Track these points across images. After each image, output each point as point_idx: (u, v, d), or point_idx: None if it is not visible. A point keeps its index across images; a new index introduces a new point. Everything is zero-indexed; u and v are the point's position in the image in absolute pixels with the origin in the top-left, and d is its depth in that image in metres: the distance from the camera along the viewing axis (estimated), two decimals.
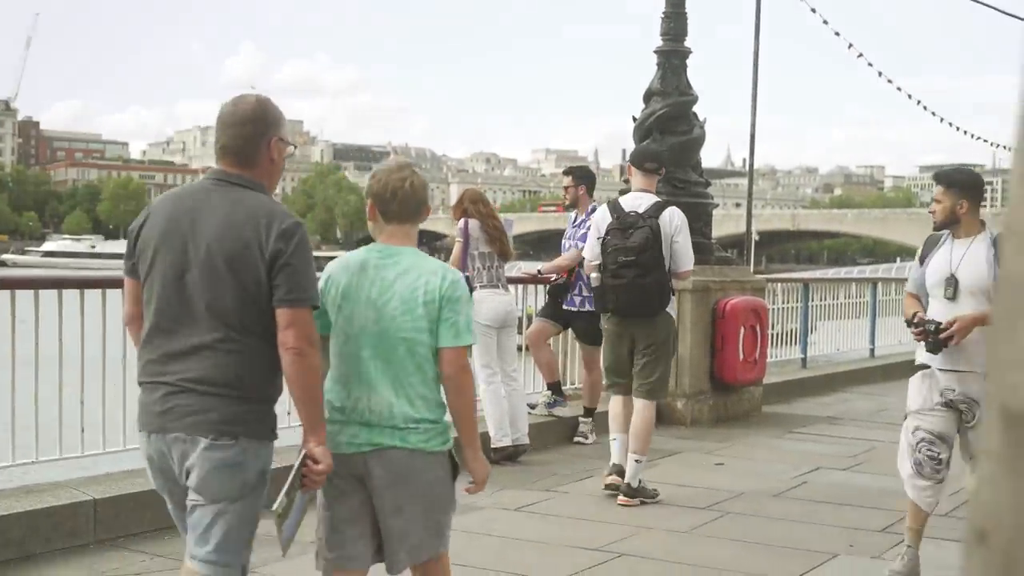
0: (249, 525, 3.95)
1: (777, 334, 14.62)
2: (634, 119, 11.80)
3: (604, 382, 8.61)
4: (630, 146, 11.96)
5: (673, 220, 7.79)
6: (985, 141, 31.85)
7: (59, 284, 7.21)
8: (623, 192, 8.78)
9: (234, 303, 3.80)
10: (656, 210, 7.76)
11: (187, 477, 3.85)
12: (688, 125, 11.68)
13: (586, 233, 8.68)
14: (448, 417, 4.15)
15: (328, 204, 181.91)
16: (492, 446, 8.86)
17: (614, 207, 7.90)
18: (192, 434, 3.80)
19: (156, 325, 3.90)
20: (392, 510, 4.05)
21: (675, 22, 11.64)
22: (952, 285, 6.07)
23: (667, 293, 7.76)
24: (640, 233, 7.66)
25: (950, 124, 22.68)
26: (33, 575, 5.86)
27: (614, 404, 8.12)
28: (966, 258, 6.06)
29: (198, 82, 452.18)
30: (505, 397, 8.98)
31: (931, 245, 6.29)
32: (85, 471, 7.05)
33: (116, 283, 7.27)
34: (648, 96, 11.75)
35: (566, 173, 10.37)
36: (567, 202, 10.24)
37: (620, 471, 7.90)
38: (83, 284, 7.22)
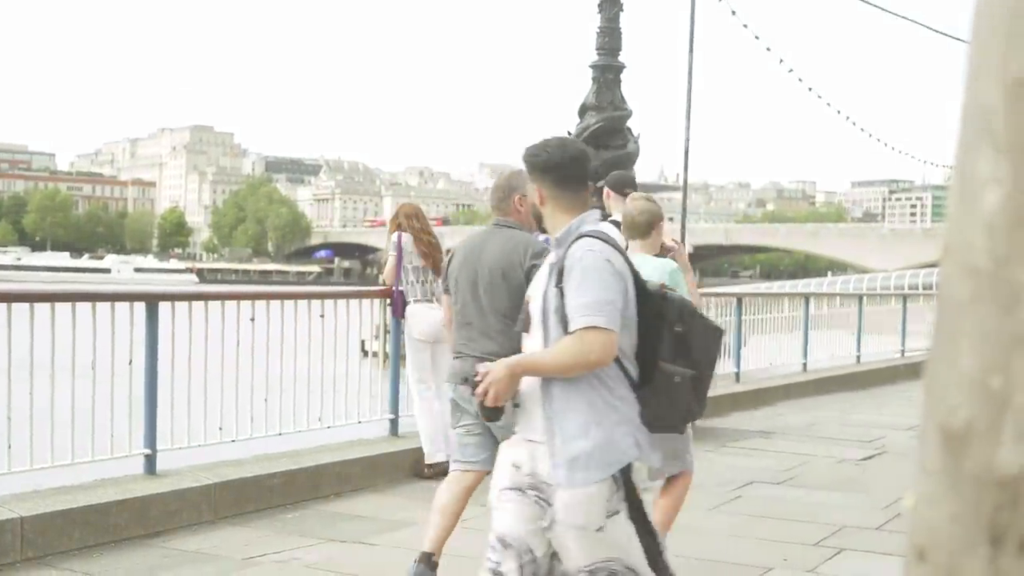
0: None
1: None
2: (568, 133, 11.84)
3: None
4: None
5: None
6: (913, 157, 32.31)
7: None
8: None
9: (507, 301, 5.64)
10: None
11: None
12: (623, 139, 11.74)
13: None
14: None
15: (259, 217, 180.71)
16: (426, 462, 8.84)
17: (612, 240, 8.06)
18: None
19: (461, 320, 5.93)
20: None
21: (609, 37, 11.70)
22: (524, 310, 4.42)
23: None
24: None
25: (878, 140, 22.98)
26: None
27: None
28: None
29: (128, 93, 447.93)
30: (439, 412, 8.95)
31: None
32: (13, 488, 6.93)
33: (42, 297, 7.21)
34: (583, 110, 11.79)
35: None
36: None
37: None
38: (8, 298, 7.10)
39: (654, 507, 6.24)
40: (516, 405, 4.14)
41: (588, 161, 4.37)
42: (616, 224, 8.60)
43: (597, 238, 4.09)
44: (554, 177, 4.26)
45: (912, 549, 1.08)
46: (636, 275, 4.13)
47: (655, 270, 6.03)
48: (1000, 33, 1.02)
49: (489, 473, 5.67)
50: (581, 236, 4.09)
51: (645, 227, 6.44)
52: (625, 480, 3.97)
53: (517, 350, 4.94)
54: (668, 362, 4.11)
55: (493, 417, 4.22)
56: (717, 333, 4.34)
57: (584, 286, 3.92)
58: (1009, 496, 0.98)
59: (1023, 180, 0.99)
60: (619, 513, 3.94)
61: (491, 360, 5.03)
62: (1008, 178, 1.00)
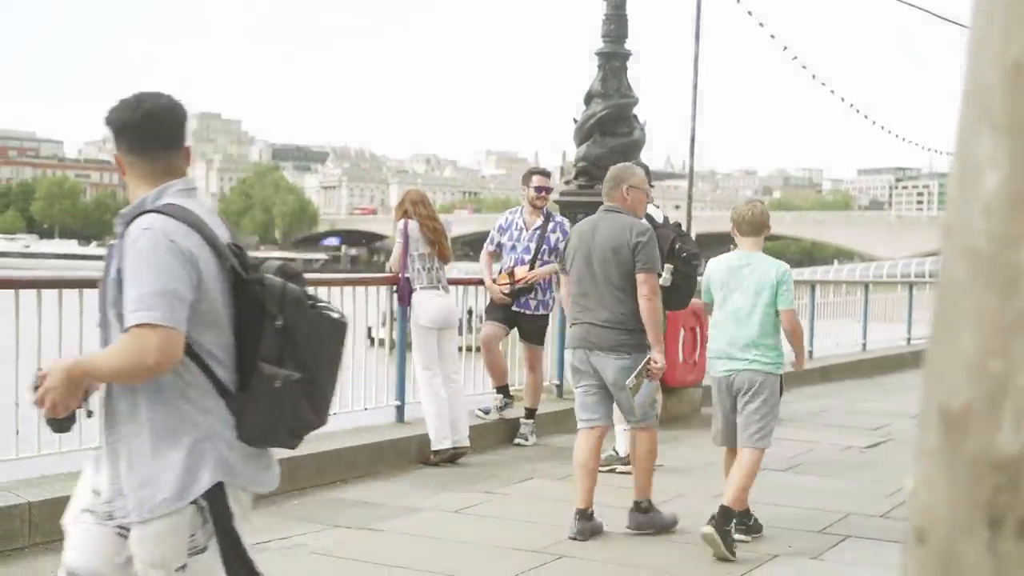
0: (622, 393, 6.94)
1: None
2: (575, 121, 11.84)
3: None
4: (571, 147, 12.02)
5: None
6: (920, 145, 32.20)
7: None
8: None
9: (617, 274, 6.84)
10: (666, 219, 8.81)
11: (601, 373, 6.95)
12: (629, 127, 11.73)
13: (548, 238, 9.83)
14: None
15: (266, 204, 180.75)
16: (432, 448, 8.86)
17: (650, 218, 8.38)
18: (603, 350, 6.91)
19: (577, 291, 7.03)
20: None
21: (616, 24, 11.69)
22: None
23: None
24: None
25: (882, 127, 22.91)
26: None
27: None
28: None
29: (135, 79, 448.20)
30: (445, 399, 8.96)
31: None
32: (20, 474, 6.95)
33: (49, 283, 7.21)
34: (589, 98, 11.78)
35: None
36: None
37: None
38: (15, 284, 7.11)
39: (726, 484, 6.94)
40: (89, 414, 3.47)
41: (174, 119, 3.53)
42: (647, 214, 8.79)
43: (163, 213, 3.34)
44: (128, 139, 3.49)
45: (912, 532, 1.08)
46: (226, 254, 3.39)
47: (771, 267, 7.00)
48: (999, 16, 1.02)
49: (609, 427, 7.40)
50: (145, 212, 3.37)
51: (758, 225, 7.14)
52: (214, 509, 3.35)
53: (627, 316, 6.81)
54: (272, 363, 3.40)
55: (61, 429, 3.47)
56: (335, 326, 3.60)
57: (138, 274, 3.25)
58: (1008, 478, 0.98)
59: (1022, 162, 0.99)
60: (206, 550, 3.35)
61: (604, 327, 6.86)
62: (1007, 160, 1.00)
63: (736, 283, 6.97)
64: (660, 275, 7.11)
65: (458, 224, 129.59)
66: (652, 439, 7.18)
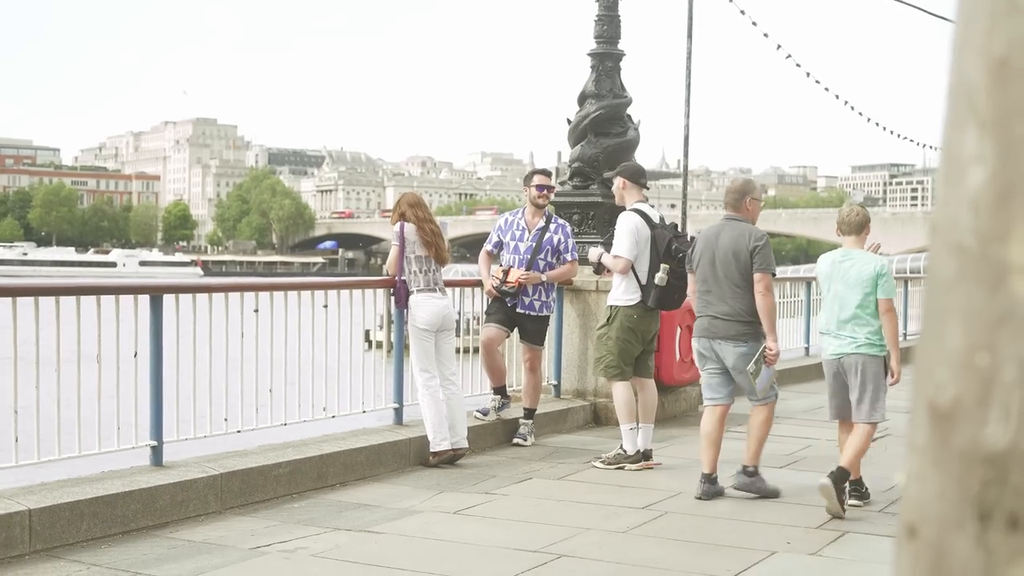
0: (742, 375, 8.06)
1: None
2: (568, 121, 11.84)
3: (610, 372, 9.16)
4: (566, 148, 12.03)
5: None
6: (913, 141, 32.15)
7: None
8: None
9: (737, 274, 7.93)
10: (662, 219, 9.31)
11: (722, 358, 8.05)
12: (623, 127, 11.74)
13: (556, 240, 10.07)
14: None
15: (263, 209, 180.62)
16: (431, 450, 8.86)
17: (646, 218, 9.10)
18: (725, 339, 8.00)
19: (702, 289, 8.12)
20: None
21: (608, 25, 11.70)
22: None
23: None
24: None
25: (876, 124, 22.87)
26: None
27: (625, 391, 9.11)
28: None
29: (130, 87, 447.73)
30: (444, 401, 8.97)
31: None
32: (20, 481, 6.95)
33: (47, 291, 7.22)
34: (582, 99, 11.79)
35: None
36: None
37: (649, 454, 9.13)
38: (13, 292, 7.11)
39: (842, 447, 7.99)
40: None
41: None
42: (642, 214, 8.94)
43: None
44: None
45: (903, 526, 1.09)
46: None
47: (869, 263, 7.76)
48: (983, 11, 1.02)
49: (731, 405, 8.33)
50: None
51: (858, 226, 7.91)
52: None
53: (744, 309, 7.95)
54: None
55: None
56: None
57: None
58: (996, 472, 0.99)
59: (1007, 158, 1.00)
60: None
61: (724, 319, 7.99)
62: (992, 156, 1.01)
63: (838, 276, 7.84)
64: (774, 274, 8.12)
65: (454, 226, 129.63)
66: (769, 414, 8.25)
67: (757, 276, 7.94)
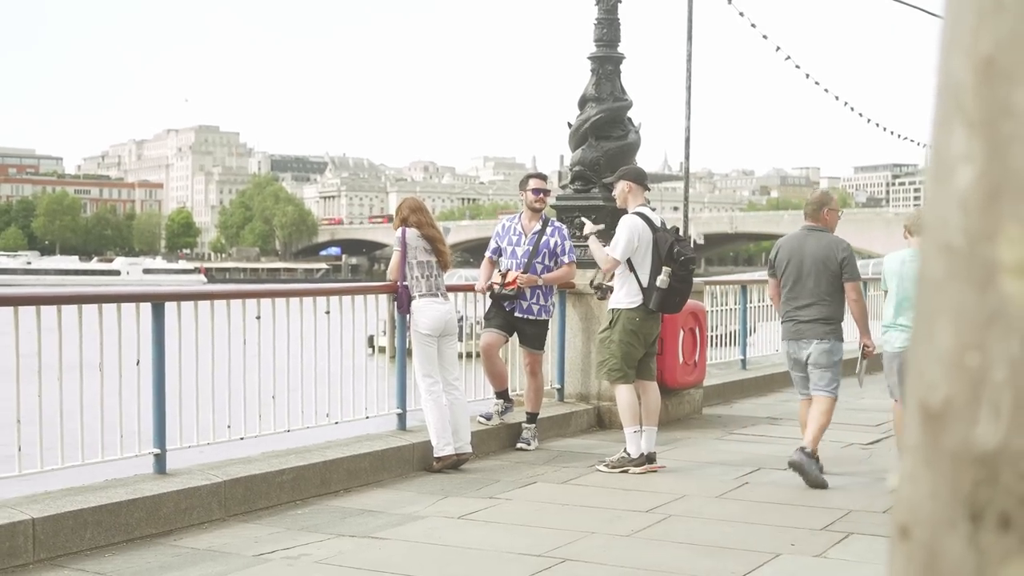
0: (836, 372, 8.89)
1: (720, 336, 14.73)
2: (569, 125, 11.85)
3: (613, 376, 9.18)
4: (568, 152, 12.03)
5: None
6: (916, 142, 32.08)
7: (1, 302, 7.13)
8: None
9: (824, 281, 8.64)
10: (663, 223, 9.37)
11: (809, 358, 8.77)
12: (623, 130, 11.74)
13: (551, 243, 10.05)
14: None
15: (266, 215, 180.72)
16: (435, 455, 8.86)
17: (648, 221, 9.16)
18: (809, 338, 8.73)
19: (788, 295, 8.82)
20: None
21: (608, 28, 11.70)
22: None
23: None
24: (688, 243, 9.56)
25: (877, 125, 22.82)
26: None
27: (628, 394, 9.13)
28: None
29: (132, 95, 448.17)
30: (447, 406, 8.96)
31: None
32: (23, 490, 6.95)
33: (48, 300, 7.22)
34: (583, 102, 11.80)
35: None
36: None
37: (653, 457, 9.14)
38: (15, 301, 7.12)
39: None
40: None
41: None
42: (644, 217, 9.00)
43: None
44: None
45: (895, 527, 1.08)
46: None
47: None
48: (970, 10, 1.02)
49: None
50: None
51: None
52: None
53: (827, 312, 8.69)
54: None
55: None
56: None
57: None
58: (987, 472, 0.99)
59: (995, 157, 1.00)
60: None
61: (810, 321, 8.71)
62: (980, 155, 1.01)
63: (906, 273, 8.50)
64: (858, 280, 8.99)
65: (457, 231, 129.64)
66: (833, 404, 8.88)
67: (848, 285, 8.74)
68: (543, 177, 10.55)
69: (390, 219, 9.56)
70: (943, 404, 1.02)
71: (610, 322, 9.13)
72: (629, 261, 9.01)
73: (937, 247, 1.05)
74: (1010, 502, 0.98)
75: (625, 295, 9.06)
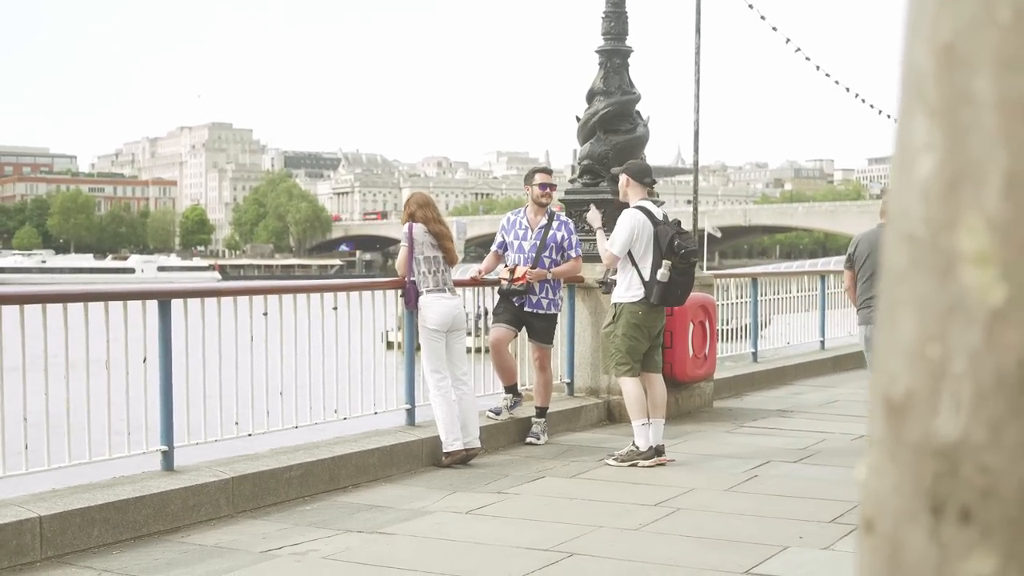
0: None
1: (732, 329, 14.74)
2: (577, 119, 11.83)
3: (620, 370, 9.19)
4: (579, 146, 12.02)
5: None
6: None
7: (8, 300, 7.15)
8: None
9: None
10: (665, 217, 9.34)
11: None
12: (632, 123, 11.72)
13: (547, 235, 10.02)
14: None
15: (280, 212, 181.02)
16: (444, 450, 8.86)
17: (650, 215, 9.13)
18: None
19: (866, 285, 9.41)
20: None
21: (615, 21, 11.68)
22: None
23: None
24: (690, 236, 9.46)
25: (889, 116, 22.76)
26: None
27: (635, 387, 9.12)
28: None
29: (146, 92, 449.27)
30: (455, 401, 8.97)
31: None
32: (31, 488, 6.96)
33: (55, 298, 7.23)
34: (591, 96, 11.79)
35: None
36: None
37: (662, 450, 9.10)
38: (21, 300, 7.12)
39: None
40: None
41: None
42: (645, 211, 9.04)
43: None
44: None
45: (862, 520, 1.08)
46: None
47: None
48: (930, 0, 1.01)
49: None
50: None
51: None
52: None
53: None
54: None
55: None
56: None
57: None
58: (948, 465, 0.98)
59: (954, 146, 0.99)
60: None
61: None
62: (940, 144, 0.99)
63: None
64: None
65: (472, 226, 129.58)
66: None
67: None
68: (548, 172, 10.58)
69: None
70: (905, 396, 1.01)
71: (613, 316, 9.15)
72: (631, 255, 9.01)
73: (900, 237, 1.03)
74: (970, 495, 0.96)
75: (627, 289, 9.08)
